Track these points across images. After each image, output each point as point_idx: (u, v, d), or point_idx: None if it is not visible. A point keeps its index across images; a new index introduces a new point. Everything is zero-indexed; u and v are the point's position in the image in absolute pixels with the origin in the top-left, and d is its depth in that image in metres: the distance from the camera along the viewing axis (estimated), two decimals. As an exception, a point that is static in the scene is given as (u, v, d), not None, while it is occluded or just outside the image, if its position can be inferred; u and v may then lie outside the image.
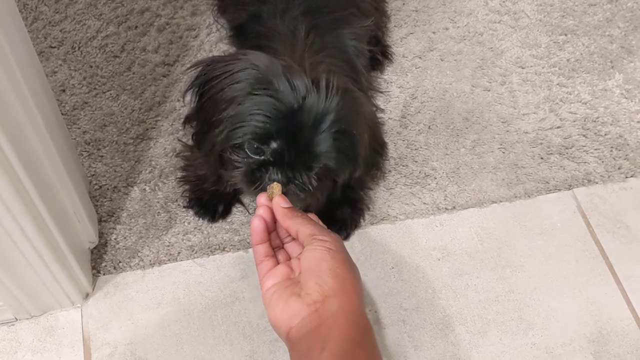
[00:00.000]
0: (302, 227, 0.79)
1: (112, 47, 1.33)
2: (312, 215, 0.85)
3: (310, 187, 0.84)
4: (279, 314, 0.74)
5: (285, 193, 0.84)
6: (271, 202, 0.83)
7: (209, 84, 0.86)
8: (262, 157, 0.82)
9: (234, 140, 0.82)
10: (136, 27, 1.36)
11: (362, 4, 1.17)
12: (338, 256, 0.76)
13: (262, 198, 0.83)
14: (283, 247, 0.86)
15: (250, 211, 1.12)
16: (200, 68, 0.88)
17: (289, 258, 0.84)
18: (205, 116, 0.87)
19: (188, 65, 0.96)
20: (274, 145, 0.81)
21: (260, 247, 0.82)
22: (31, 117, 0.77)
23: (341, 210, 1.09)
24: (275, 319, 0.75)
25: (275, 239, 0.85)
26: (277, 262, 0.82)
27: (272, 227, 0.84)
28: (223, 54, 0.94)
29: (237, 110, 0.81)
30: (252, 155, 0.83)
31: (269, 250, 0.82)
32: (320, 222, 0.85)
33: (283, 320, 0.73)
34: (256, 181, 0.84)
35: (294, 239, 0.84)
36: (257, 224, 0.81)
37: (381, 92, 1.25)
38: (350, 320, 0.72)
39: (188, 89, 0.89)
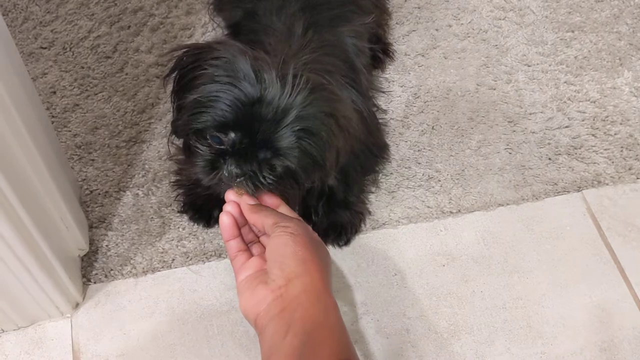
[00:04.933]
0: (266, 219, 0.80)
1: (104, 47, 1.29)
2: (278, 201, 0.85)
3: (266, 184, 0.81)
4: (246, 303, 0.76)
5: (240, 186, 0.82)
6: (240, 198, 0.84)
7: (182, 71, 0.85)
8: (222, 147, 0.80)
9: (193, 125, 0.80)
10: (129, 27, 1.32)
11: (362, 1, 1.13)
12: (299, 240, 0.77)
13: (230, 194, 0.84)
14: (259, 241, 0.86)
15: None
16: (177, 55, 0.86)
17: (264, 251, 0.83)
18: (175, 102, 0.87)
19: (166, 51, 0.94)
20: (232, 135, 0.79)
21: (232, 243, 0.83)
22: (10, 121, 0.74)
23: (340, 215, 1.05)
24: (244, 308, 0.76)
25: (249, 233, 0.86)
26: (251, 256, 0.82)
27: (242, 222, 0.85)
28: (201, 42, 0.91)
29: (199, 97, 0.79)
30: (212, 144, 0.80)
31: (242, 244, 0.83)
32: (287, 209, 0.85)
33: (250, 307, 0.75)
34: (214, 171, 0.81)
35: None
36: (226, 220, 0.83)
37: (383, 92, 1.21)
38: (312, 300, 0.73)
39: (166, 76, 0.87)
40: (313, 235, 0.81)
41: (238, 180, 0.80)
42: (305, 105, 0.77)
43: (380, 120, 1.14)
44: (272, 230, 0.79)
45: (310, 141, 0.79)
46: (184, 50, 0.86)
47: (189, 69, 0.83)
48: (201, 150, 0.81)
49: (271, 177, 0.81)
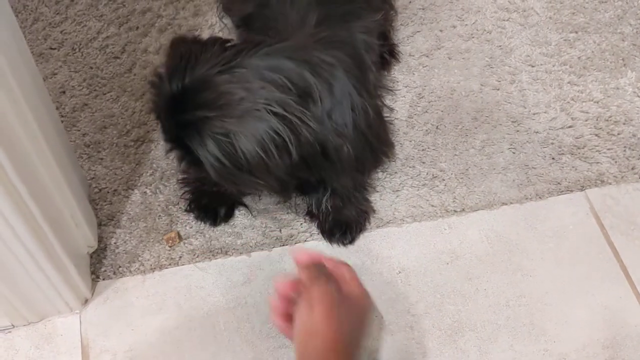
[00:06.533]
0: (301, 283, 0.74)
1: (113, 48, 1.30)
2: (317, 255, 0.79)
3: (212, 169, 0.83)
4: None
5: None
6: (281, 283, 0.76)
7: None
8: None
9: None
10: (137, 28, 1.34)
11: None
12: (317, 309, 0.70)
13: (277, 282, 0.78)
14: None
15: (254, 213, 1.10)
16: (172, 48, 0.88)
17: None
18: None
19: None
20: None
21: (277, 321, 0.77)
22: (24, 121, 0.75)
23: (345, 214, 1.06)
24: None
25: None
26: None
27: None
28: (190, 36, 0.94)
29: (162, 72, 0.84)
30: None
31: (285, 315, 0.76)
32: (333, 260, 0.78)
33: None
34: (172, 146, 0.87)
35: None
36: (275, 304, 0.76)
37: (390, 90, 1.21)
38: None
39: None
40: (347, 294, 0.73)
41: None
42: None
43: (387, 119, 1.14)
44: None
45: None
46: (176, 43, 0.88)
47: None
48: None
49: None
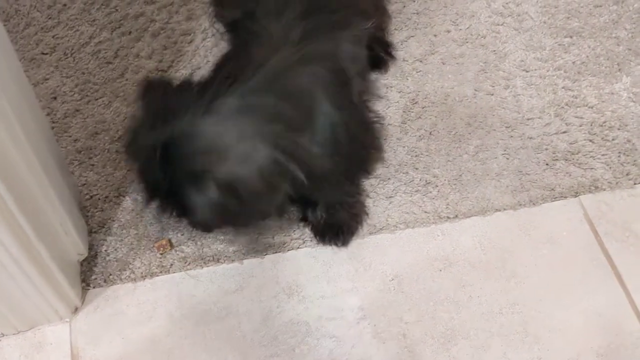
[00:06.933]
0: None
1: (106, 53, 1.30)
2: None
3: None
4: None
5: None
6: None
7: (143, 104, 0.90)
8: None
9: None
10: (130, 32, 1.33)
11: (363, 5, 1.13)
12: None
13: None
14: None
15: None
16: (142, 91, 0.91)
17: None
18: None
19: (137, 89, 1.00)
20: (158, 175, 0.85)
21: None
22: (9, 128, 0.74)
23: (338, 217, 1.06)
24: None
25: None
26: None
27: None
28: (161, 80, 0.99)
29: (137, 137, 0.86)
30: None
31: None
32: None
33: None
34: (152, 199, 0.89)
35: None
36: None
37: (380, 97, 1.21)
38: None
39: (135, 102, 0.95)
40: None
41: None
42: (233, 152, 0.81)
43: (376, 122, 1.13)
44: None
45: (241, 188, 0.83)
46: (145, 89, 0.91)
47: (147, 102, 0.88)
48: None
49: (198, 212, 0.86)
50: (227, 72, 0.90)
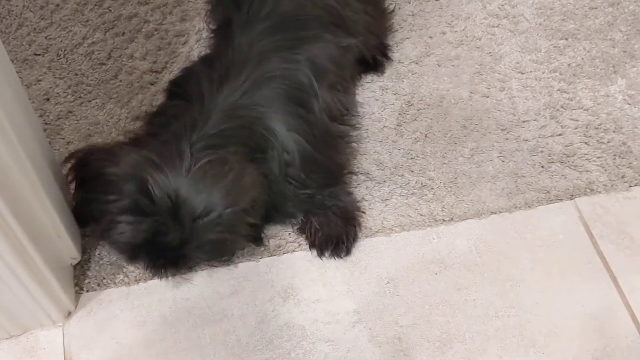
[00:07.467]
0: None
1: (99, 54, 1.29)
2: None
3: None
4: None
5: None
6: None
7: (82, 183, 0.97)
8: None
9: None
10: (124, 33, 1.32)
11: (351, 23, 1.12)
12: None
13: None
14: None
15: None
16: (75, 161, 0.97)
17: None
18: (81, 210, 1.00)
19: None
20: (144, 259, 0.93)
21: None
22: (1, 130, 0.74)
23: (333, 228, 1.05)
24: None
25: None
26: None
27: None
28: (98, 146, 1.04)
29: (109, 233, 0.90)
30: None
31: None
32: None
33: None
34: (135, 259, 0.96)
35: None
36: None
37: (347, 110, 1.15)
38: None
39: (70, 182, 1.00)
40: None
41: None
42: (206, 217, 0.88)
43: (343, 141, 1.14)
44: None
45: (219, 244, 0.91)
46: (81, 158, 0.96)
47: (90, 184, 0.94)
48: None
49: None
50: (182, 125, 0.95)
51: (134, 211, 0.87)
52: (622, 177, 1.14)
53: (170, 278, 0.98)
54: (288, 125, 0.98)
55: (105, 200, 0.88)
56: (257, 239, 1.03)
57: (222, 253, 0.97)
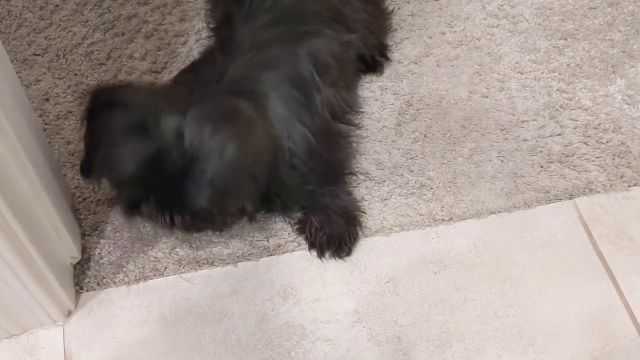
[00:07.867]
0: None
1: (98, 54, 1.29)
2: None
3: (182, 228, 0.88)
4: None
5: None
6: None
7: (92, 117, 0.89)
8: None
9: (109, 182, 0.88)
10: (123, 33, 1.32)
11: (350, 20, 1.11)
12: None
13: None
14: None
15: (241, 223, 1.09)
16: (88, 99, 0.90)
17: None
18: (88, 149, 0.91)
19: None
20: (142, 191, 0.85)
21: None
22: (1, 129, 0.74)
23: (333, 227, 1.05)
24: None
25: None
26: None
27: None
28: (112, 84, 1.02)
29: (110, 155, 0.84)
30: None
31: None
32: None
33: None
34: (134, 212, 0.87)
35: None
36: None
37: (349, 107, 1.14)
38: None
39: (81, 119, 0.92)
40: None
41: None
42: (209, 154, 0.82)
43: (344, 139, 1.13)
44: None
45: (219, 190, 0.84)
46: (93, 94, 0.90)
47: (96, 117, 0.88)
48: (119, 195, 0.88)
49: (187, 219, 0.86)
50: (191, 78, 0.94)
51: (139, 131, 0.82)
52: (621, 177, 1.14)
53: (165, 223, 0.88)
54: (293, 113, 0.95)
55: (111, 118, 0.84)
56: (252, 213, 0.97)
57: (220, 205, 0.87)
